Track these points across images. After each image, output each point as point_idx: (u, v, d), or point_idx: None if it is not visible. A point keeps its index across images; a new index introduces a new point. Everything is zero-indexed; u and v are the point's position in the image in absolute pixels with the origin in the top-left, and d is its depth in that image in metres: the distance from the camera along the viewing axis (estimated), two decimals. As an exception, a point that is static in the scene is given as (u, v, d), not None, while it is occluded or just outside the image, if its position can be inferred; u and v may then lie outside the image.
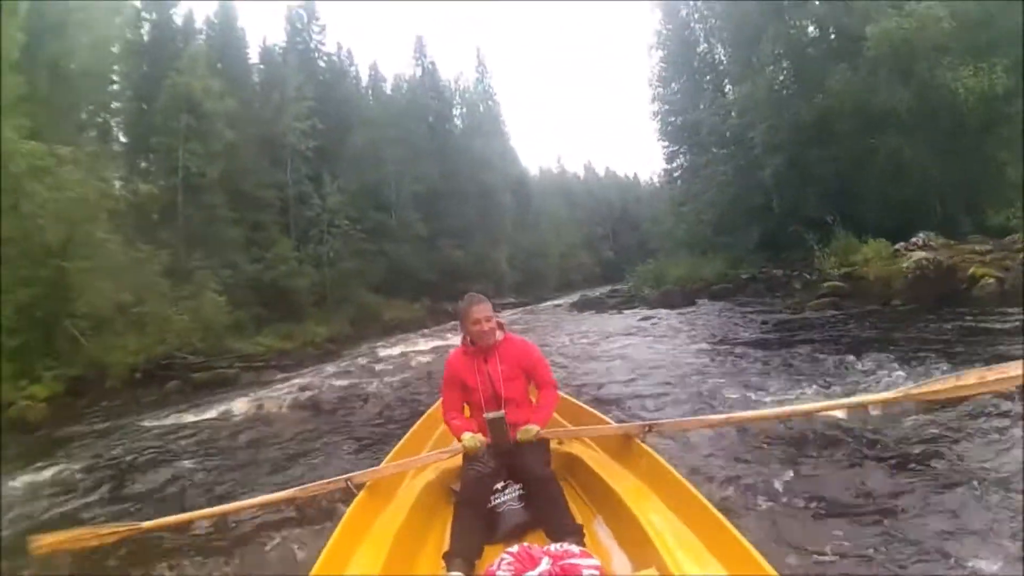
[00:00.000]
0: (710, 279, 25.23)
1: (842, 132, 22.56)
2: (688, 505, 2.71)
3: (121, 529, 3.75)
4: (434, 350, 17.63)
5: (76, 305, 16.15)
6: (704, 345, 11.91)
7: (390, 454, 4.27)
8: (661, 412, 6.74)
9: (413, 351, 18.55)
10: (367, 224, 37.43)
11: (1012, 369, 2.65)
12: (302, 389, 12.72)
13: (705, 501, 2.63)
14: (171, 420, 10.87)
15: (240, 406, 11.27)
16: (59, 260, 15.63)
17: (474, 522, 3.10)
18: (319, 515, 4.49)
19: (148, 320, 18.49)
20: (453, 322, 32.98)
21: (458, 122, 54.99)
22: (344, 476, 3.62)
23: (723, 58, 37.89)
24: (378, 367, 15.35)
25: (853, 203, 21.69)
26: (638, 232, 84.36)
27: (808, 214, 23.10)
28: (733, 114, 29.96)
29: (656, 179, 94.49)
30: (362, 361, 17.43)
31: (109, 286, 17.21)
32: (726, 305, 19.86)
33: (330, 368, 16.69)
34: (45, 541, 3.54)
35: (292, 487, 3.97)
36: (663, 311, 20.20)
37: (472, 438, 3.42)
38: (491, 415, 3.43)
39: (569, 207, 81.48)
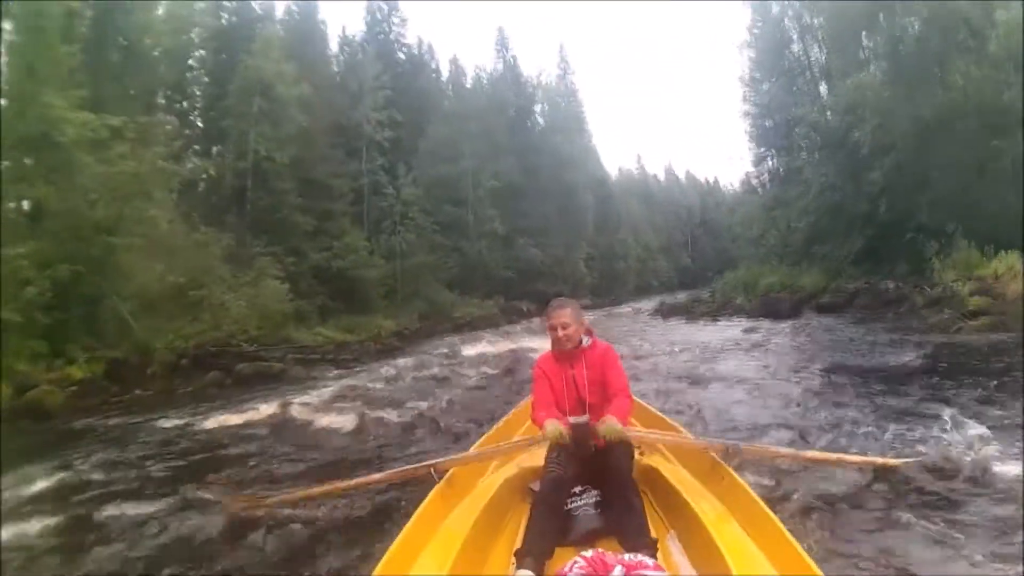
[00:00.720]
0: (809, 289, 22.96)
1: (964, 132, 19.84)
2: (767, 533, 2.65)
3: (289, 497, 4.40)
4: (503, 356, 15.50)
5: (124, 285, 15.15)
6: (840, 377, 9.02)
7: (474, 445, 4.34)
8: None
9: (481, 354, 16.72)
10: (442, 218, 36.29)
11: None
12: (344, 396, 11.03)
13: (785, 531, 2.58)
14: (188, 420, 9.57)
15: (270, 409, 9.79)
16: (107, 236, 14.53)
17: (549, 523, 3.03)
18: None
19: (203, 305, 17.49)
20: (526, 321, 31.77)
21: (540, 119, 53.28)
22: (429, 463, 3.76)
23: (820, 57, 35.78)
24: (439, 371, 13.54)
25: (972, 212, 18.93)
26: (717, 239, 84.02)
27: (921, 222, 20.75)
28: (828, 115, 27.66)
29: (738, 185, 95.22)
30: (422, 362, 15.47)
31: (161, 267, 16.34)
32: (838, 319, 17.68)
33: (386, 369, 14.77)
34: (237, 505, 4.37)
35: (379, 472, 4.35)
36: (765, 322, 18.28)
37: (555, 426, 3.28)
38: (575, 420, 3.41)
39: (648, 210, 79.16)
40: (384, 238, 32.08)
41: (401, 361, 15.95)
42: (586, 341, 3.62)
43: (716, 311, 22.99)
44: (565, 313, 3.58)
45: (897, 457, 4.55)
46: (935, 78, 21.26)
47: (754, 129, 42.53)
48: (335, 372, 15.30)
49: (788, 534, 2.54)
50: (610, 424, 3.23)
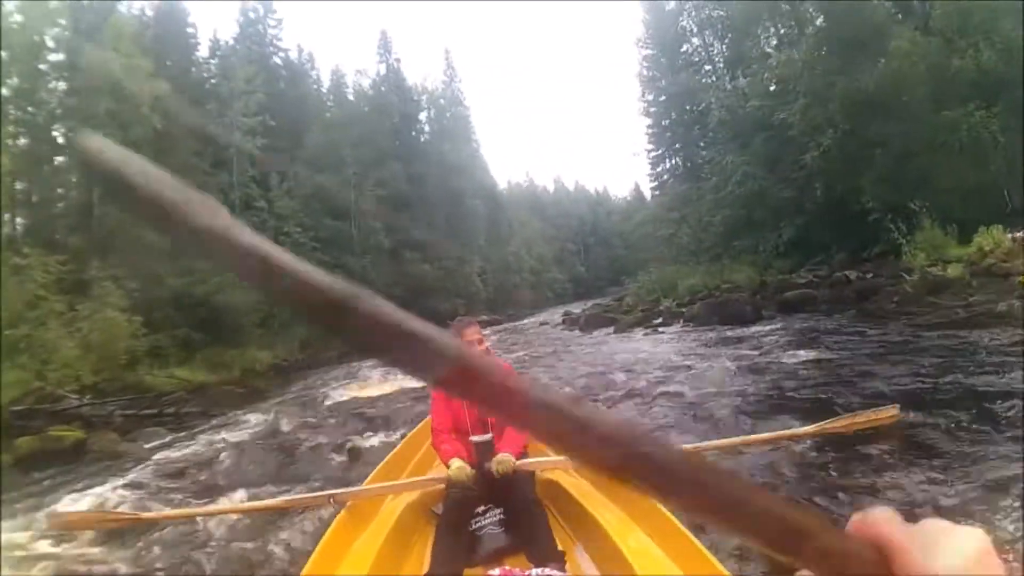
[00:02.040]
0: (745, 286, 20.60)
1: (909, 105, 18.76)
2: (671, 536, 2.69)
3: (124, 516, 3.78)
4: (394, 397, 12.15)
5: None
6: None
7: (373, 472, 4.18)
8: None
9: (364, 396, 13.21)
10: (323, 233, 33.40)
11: (887, 411, 3.02)
12: (140, 488, 7.36)
13: (688, 533, 2.62)
14: None
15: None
16: None
17: (455, 545, 3.10)
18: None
19: (22, 347, 14.06)
20: None
21: (425, 126, 50.87)
22: (327, 493, 3.57)
23: (721, 48, 36.40)
24: (293, 433, 9.76)
25: (923, 189, 17.83)
26: (610, 247, 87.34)
27: (864, 204, 19.61)
28: (751, 100, 26.56)
29: (631, 190, 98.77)
30: (280, 418, 11.60)
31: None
32: (821, 320, 14.31)
33: (230, 434, 10.56)
34: (65, 519, 3.62)
35: (279, 497, 4.52)
36: (724, 329, 15.34)
37: (460, 468, 3.24)
38: (477, 439, 3.46)
39: (539, 221, 78.76)
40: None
41: (251, 417, 12.24)
42: None
43: (645, 319, 20.69)
44: (475, 328, 3.64)
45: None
46: (873, 48, 20.15)
47: (653, 128, 42.90)
48: (161, 439, 11.15)
49: (691, 535, 2.59)
50: (502, 461, 3.23)
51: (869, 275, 17.26)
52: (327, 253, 32.98)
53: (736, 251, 25.85)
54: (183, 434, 11.33)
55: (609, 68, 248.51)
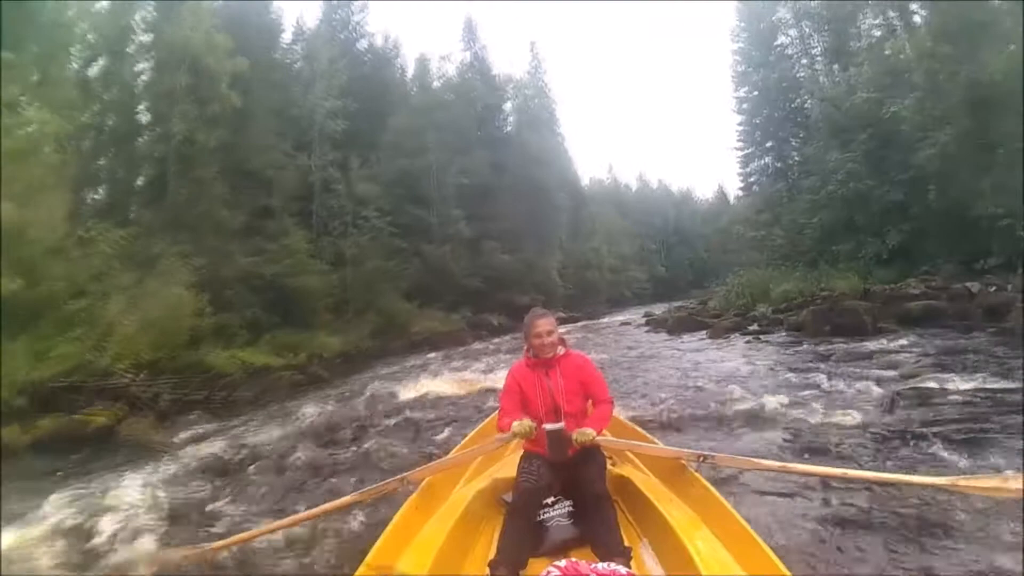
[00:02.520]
0: (849, 294, 18.09)
1: None
2: (739, 539, 2.73)
3: (193, 552, 3.71)
4: (460, 403, 10.44)
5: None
6: None
7: (440, 460, 4.17)
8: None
9: (427, 396, 11.39)
10: (402, 219, 32.24)
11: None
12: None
13: (756, 536, 2.69)
14: None
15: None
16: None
17: (522, 533, 3.11)
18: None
19: (82, 319, 13.25)
20: (497, 338, 28.24)
21: (510, 116, 49.38)
22: (400, 476, 3.70)
23: (820, 40, 33.82)
24: (347, 440, 8.28)
25: None
26: (692, 248, 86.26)
27: (982, 210, 16.98)
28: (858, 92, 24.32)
29: (713, 195, 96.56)
30: (335, 414, 10.57)
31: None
32: (958, 338, 11.97)
33: (272, 430, 9.42)
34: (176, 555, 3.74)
35: (350, 493, 3.97)
36: (838, 341, 13.23)
37: (521, 424, 3.36)
38: (551, 427, 3.39)
39: (622, 219, 76.31)
40: (332, 240, 28.06)
41: (304, 409, 10.97)
42: (560, 351, 3.64)
43: (739, 325, 18.76)
44: (549, 321, 3.65)
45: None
46: (997, 34, 17.85)
47: (744, 125, 41.30)
48: (197, 429, 10.18)
49: (758, 537, 2.68)
50: (584, 432, 3.30)
51: (992, 288, 15.01)
52: (406, 240, 32.05)
53: (833, 256, 23.48)
54: (221, 424, 10.39)
55: (697, 64, 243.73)
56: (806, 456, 5.58)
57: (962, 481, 2.75)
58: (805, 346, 13.64)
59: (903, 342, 12.07)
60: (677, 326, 21.65)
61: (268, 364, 17.74)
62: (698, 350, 15.62)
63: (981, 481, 2.74)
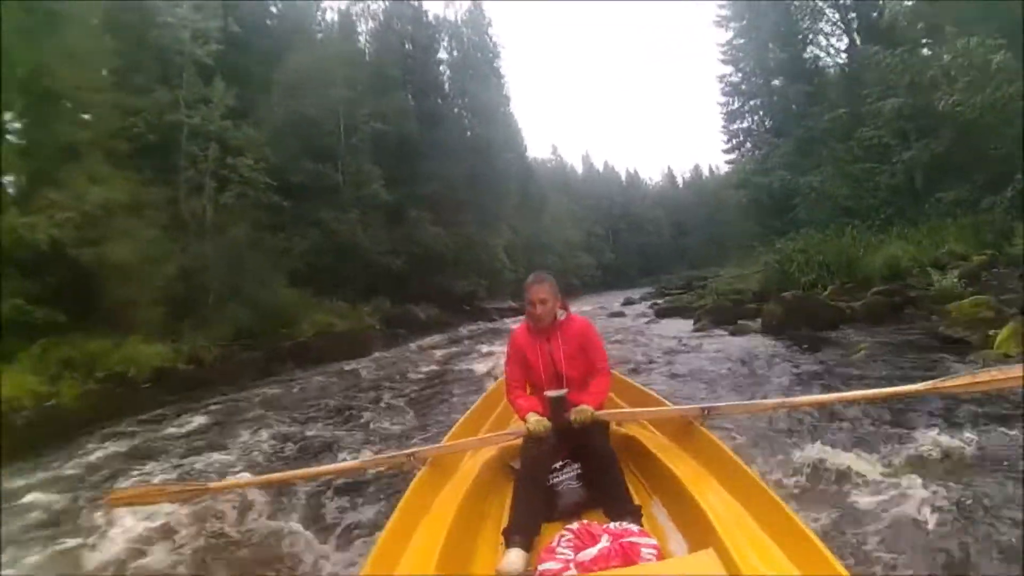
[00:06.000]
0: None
1: None
2: (747, 489, 2.71)
3: (189, 488, 3.89)
4: None
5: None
6: None
7: (450, 431, 4.25)
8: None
9: None
10: (297, 177, 23.78)
11: (1015, 371, 2.89)
12: None
13: (765, 486, 2.64)
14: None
15: None
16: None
17: (533, 499, 3.10)
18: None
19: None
20: (429, 338, 20.86)
21: (446, 64, 40.49)
22: (408, 451, 3.61)
23: None
24: None
25: None
26: (642, 233, 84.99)
27: None
28: None
29: (657, 180, 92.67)
30: None
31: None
32: None
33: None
34: (118, 495, 3.91)
35: (359, 458, 4.76)
36: None
37: (538, 421, 3.28)
38: (553, 393, 3.36)
39: (567, 202, 71.06)
40: (188, 203, 19.11)
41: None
42: (561, 315, 3.59)
43: (833, 313, 11.31)
44: (544, 288, 3.53)
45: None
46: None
47: (736, 75, 37.66)
48: None
49: (767, 487, 2.60)
50: (581, 410, 3.26)
51: None
52: (301, 204, 23.44)
53: (936, 209, 17.34)
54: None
55: (644, 41, 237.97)
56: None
57: (959, 380, 3.04)
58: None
59: None
60: (711, 319, 14.80)
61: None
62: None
63: (980, 376, 2.98)
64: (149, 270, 16.17)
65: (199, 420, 9.57)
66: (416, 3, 37.30)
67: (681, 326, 15.73)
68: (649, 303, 26.72)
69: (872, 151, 20.70)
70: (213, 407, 10.77)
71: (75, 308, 13.99)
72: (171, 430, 9.04)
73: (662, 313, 20.14)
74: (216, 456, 7.05)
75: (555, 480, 3.27)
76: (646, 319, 19.86)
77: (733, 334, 12.58)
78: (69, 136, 16.13)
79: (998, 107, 14.07)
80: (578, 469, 3.32)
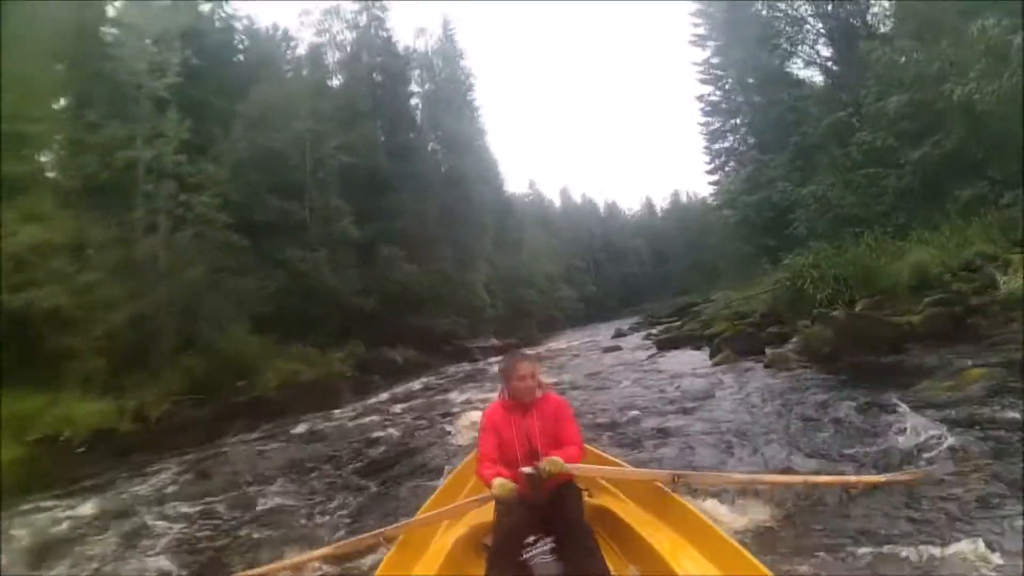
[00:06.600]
0: None
1: None
2: (726, 555, 2.70)
3: None
4: None
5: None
6: None
7: (423, 507, 4.17)
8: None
9: None
10: (261, 216, 22.48)
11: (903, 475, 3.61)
12: None
13: (746, 552, 2.62)
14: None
15: None
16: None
17: None
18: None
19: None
20: (405, 385, 19.37)
21: (416, 96, 39.45)
22: (377, 531, 3.66)
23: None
24: None
25: None
26: (623, 263, 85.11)
27: None
28: None
29: (635, 209, 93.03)
30: None
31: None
32: None
33: None
34: None
35: (326, 545, 4.14)
36: None
37: (502, 484, 3.21)
38: (529, 470, 3.30)
39: (547, 235, 70.48)
40: (141, 243, 17.64)
41: None
42: (538, 393, 3.60)
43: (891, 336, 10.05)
44: (533, 364, 3.62)
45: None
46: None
47: (715, 95, 37.62)
48: None
49: (744, 550, 2.62)
50: (553, 461, 3.23)
51: None
52: (266, 242, 22.01)
53: (955, 208, 16.24)
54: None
55: (619, 74, 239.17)
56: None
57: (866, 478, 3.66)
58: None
59: None
60: (738, 350, 13.25)
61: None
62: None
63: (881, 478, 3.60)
64: (90, 317, 14.68)
65: (104, 504, 7.94)
66: (385, 33, 36.30)
67: (692, 358, 14.71)
68: (642, 334, 25.81)
69: (873, 155, 19.93)
70: (136, 482, 9.35)
71: (4, 361, 12.54)
72: (84, 510, 7.60)
73: (664, 344, 18.98)
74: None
75: (529, 555, 3.21)
76: (646, 351, 18.67)
77: (768, 366, 10.96)
78: (9, 170, 14.79)
79: (1017, 93, 13.16)
80: (552, 542, 3.28)
